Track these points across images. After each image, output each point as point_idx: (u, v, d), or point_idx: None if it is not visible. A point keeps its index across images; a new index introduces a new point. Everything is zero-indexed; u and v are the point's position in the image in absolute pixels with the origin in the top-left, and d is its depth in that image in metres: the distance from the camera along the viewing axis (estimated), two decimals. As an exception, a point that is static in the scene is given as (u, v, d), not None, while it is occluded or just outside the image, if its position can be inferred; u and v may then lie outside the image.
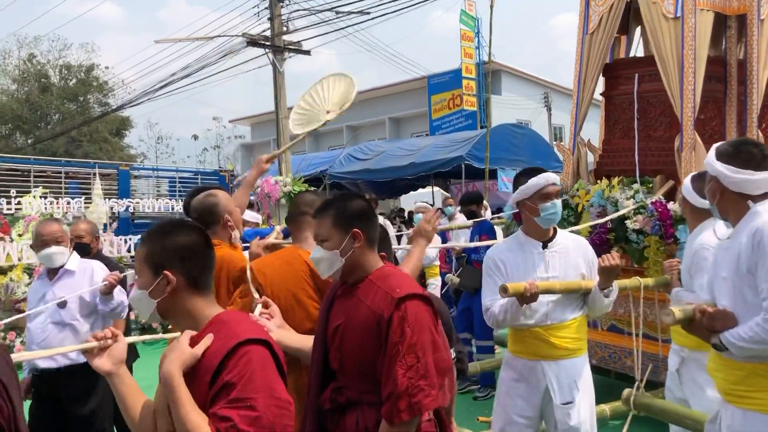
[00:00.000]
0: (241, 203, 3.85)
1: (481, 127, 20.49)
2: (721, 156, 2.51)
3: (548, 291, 3.08)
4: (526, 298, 3.00)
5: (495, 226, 6.84)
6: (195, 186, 7.89)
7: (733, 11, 5.25)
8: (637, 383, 3.75)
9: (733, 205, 2.49)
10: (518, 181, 3.27)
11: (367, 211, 2.34)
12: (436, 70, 26.76)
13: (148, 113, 51.85)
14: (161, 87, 17.59)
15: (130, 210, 10.73)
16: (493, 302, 3.20)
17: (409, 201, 21.80)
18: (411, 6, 13.31)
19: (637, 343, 3.72)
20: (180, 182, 12.93)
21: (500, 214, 8.02)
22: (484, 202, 10.67)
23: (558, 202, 3.20)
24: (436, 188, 18.81)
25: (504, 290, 2.99)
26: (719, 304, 2.46)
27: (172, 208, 11.08)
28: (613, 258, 3.07)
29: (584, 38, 5.55)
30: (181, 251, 1.82)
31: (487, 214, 10.50)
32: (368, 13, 14.03)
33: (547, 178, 3.18)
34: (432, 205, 16.17)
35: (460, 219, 10.55)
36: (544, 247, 3.23)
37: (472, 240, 6.70)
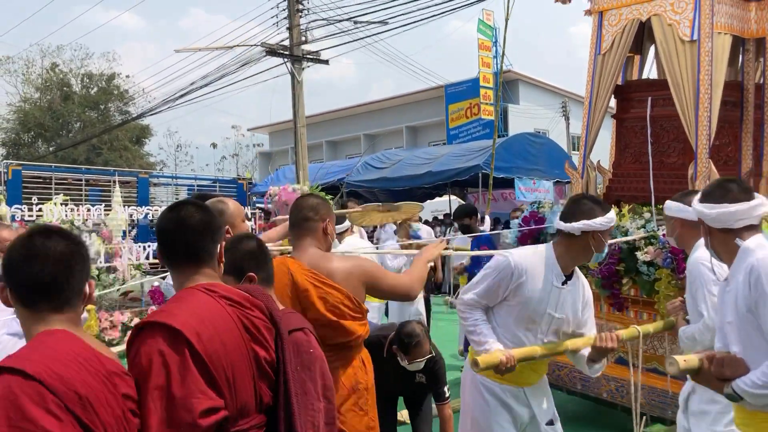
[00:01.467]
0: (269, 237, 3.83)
1: (499, 136, 20.46)
2: (701, 197, 2.52)
3: (528, 358, 2.88)
4: (497, 369, 2.78)
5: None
6: (213, 194, 7.94)
7: (751, 34, 5.13)
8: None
9: (721, 245, 2.44)
10: (592, 210, 2.93)
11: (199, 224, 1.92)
12: (453, 79, 26.78)
13: (167, 122, 52.52)
14: (181, 96, 17.77)
15: (149, 217, 10.82)
16: (476, 304, 3.02)
17: (426, 209, 21.78)
18: (430, 17, 13.34)
19: (635, 389, 3.45)
20: (198, 190, 13.02)
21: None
22: (486, 217, 10.67)
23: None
24: (453, 197, 18.77)
25: (475, 365, 2.74)
26: (731, 351, 2.32)
27: (191, 216, 11.13)
28: (612, 340, 2.89)
29: (596, 59, 5.41)
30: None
31: (486, 226, 10.48)
32: (387, 23, 14.08)
33: (613, 216, 3.02)
34: (449, 215, 16.14)
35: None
36: (564, 283, 3.00)
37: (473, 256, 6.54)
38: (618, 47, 5.24)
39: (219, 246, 1.95)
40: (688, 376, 2.43)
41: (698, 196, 2.56)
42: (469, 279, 6.46)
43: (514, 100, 27.86)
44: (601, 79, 5.36)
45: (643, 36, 5.70)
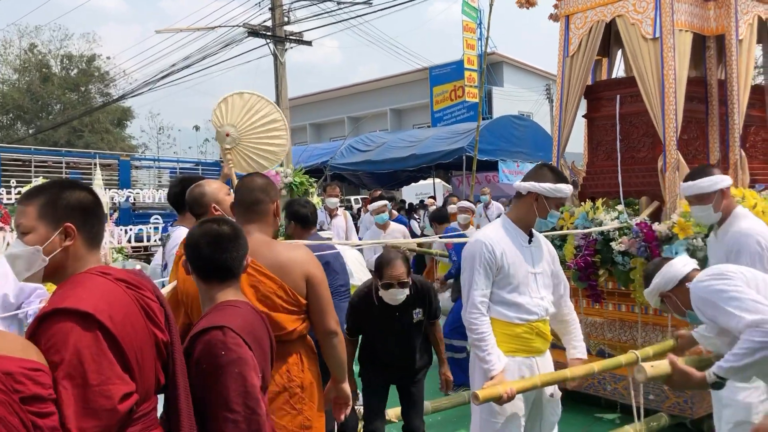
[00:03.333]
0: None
1: (484, 119, 20.46)
2: None
3: (528, 389, 2.91)
4: (497, 401, 2.81)
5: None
6: (196, 176, 7.87)
7: (711, 32, 5.27)
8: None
9: (688, 297, 2.69)
10: (544, 175, 3.11)
11: (90, 205, 1.82)
12: (438, 61, 26.69)
13: (149, 104, 51.97)
14: (162, 77, 17.56)
15: (131, 200, 10.72)
16: (484, 300, 3.03)
17: (410, 192, 21.79)
18: (414, -2, 13.24)
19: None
20: (181, 173, 12.92)
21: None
22: (493, 202, 10.71)
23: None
24: (437, 180, 18.79)
25: (476, 398, 2.77)
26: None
27: (173, 199, 11.06)
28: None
29: (565, 61, 5.55)
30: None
31: (494, 204, 10.54)
32: (370, 3, 13.97)
33: (570, 192, 3.17)
34: (433, 197, 16.16)
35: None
36: (529, 242, 3.16)
37: (454, 260, 6.31)
38: (585, 49, 5.40)
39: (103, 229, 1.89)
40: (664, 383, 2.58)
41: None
42: (455, 272, 6.44)
43: (498, 83, 27.85)
44: (570, 81, 5.50)
45: (610, 39, 5.88)
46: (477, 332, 3.01)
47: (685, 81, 4.96)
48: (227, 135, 4.60)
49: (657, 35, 4.90)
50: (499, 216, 7.55)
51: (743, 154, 5.16)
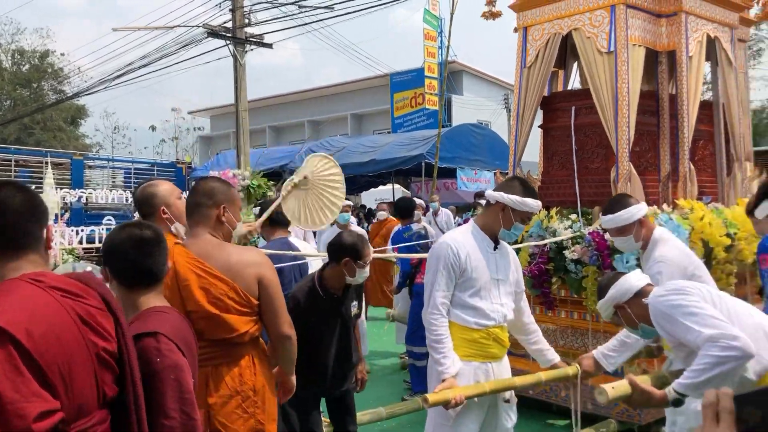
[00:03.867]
0: None
1: (443, 126, 20.61)
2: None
3: (477, 395, 2.94)
4: (445, 405, 2.86)
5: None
6: (150, 177, 7.74)
7: (663, 47, 5.43)
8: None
9: (642, 310, 2.77)
10: (514, 188, 3.18)
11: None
12: (399, 68, 26.82)
13: (104, 102, 50.92)
14: (119, 76, 17.20)
15: (83, 200, 10.48)
16: (446, 301, 3.09)
17: (369, 197, 21.83)
18: (376, 5, 13.29)
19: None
20: (136, 173, 12.71)
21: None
22: (441, 209, 10.77)
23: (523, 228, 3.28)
24: (396, 186, 18.85)
25: (425, 401, 2.81)
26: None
27: (127, 200, 10.87)
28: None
29: (522, 71, 5.65)
30: None
31: (443, 210, 10.62)
32: (332, 8, 13.95)
33: (537, 207, 3.22)
34: (392, 203, 16.21)
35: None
36: (495, 248, 3.22)
37: (410, 266, 6.24)
38: (542, 60, 5.51)
39: (45, 230, 1.77)
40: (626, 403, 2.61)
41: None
42: (403, 275, 6.45)
43: (458, 91, 28.12)
44: (527, 91, 5.60)
45: (566, 52, 6.02)
46: (435, 333, 3.06)
47: (637, 94, 5.10)
48: (305, 177, 4.56)
49: (612, 49, 5.03)
50: (447, 223, 7.60)
51: (692, 167, 5.32)
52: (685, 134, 5.30)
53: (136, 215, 3.30)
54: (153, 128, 45.42)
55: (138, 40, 23.72)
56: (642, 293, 2.76)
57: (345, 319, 3.80)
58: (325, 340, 3.73)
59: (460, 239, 3.17)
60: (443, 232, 10.08)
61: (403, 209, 7.18)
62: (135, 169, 13.09)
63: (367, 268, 3.70)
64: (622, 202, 3.50)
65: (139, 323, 1.99)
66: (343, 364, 3.84)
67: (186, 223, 3.13)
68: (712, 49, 5.68)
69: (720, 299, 2.57)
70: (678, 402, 2.45)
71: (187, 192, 3.20)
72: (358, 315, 3.96)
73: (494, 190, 3.25)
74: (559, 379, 3.32)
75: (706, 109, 5.80)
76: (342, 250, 3.63)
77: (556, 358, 3.40)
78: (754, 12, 6.67)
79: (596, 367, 3.22)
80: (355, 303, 3.88)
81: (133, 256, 2.10)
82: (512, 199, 3.12)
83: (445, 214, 10.84)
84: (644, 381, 2.58)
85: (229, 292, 2.55)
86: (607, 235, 4.66)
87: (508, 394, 3.19)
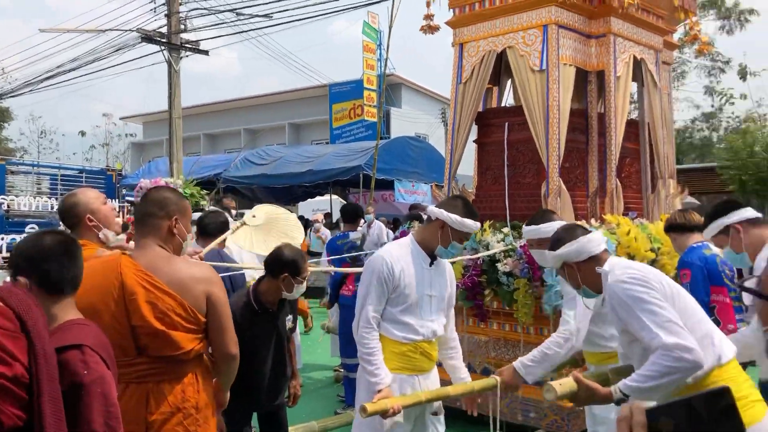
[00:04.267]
0: None
1: (382, 138, 20.72)
2: (553, 244, 2.86)
3: (414, 404, 2.97)
4: (383, 414, 2.87)
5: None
6: (79, 184, 7.47)
7: (592, 67, 5.64)
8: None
9: (591, 276, 2.75)
10: (455, 207, 3.19)
11: None
12: (338, 79, 26.83)
13: (30, 105, 48.79)
14: (46, 78, 16.60)
15: (5, 207, 10.02)
16: (376, 315, 3.10)
17: (307, 208, 21.68)
18: (315, 16, 13.28)
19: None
20: (63, 180, 12.25)
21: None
22: (375, 221, 10.80)
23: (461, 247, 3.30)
24: (334, 196, 18.80)
25: (363, 411, 2.81)
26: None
27: (52, 207, 10.45)
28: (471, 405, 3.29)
29: (458, 87, 5.75)
30: None
31: (376, 222, 10.66)
32: (271, 17, 13.86)
33: (476, 228, 3.25)
34: (330, 214, 16.16)
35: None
36: (431, 264, 3.24)
37: (340, 276, 6.19)
38: (478, 77, 5.62)
39: None
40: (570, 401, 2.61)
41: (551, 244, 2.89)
42: (333, 285, 6.39)
43: (396, 104, 28.34)
44: (463, 106, 5.69)
45: (500, 69, 6.18)
46: (367, 346, 3.06)
47: (568, 112, 5.24)
48: (253, 216, 4.52)
49: (544, 68, 5.16)
50: (379, 235, 7.60)
51: (618, 183, 5.50)
52: (612, 152, 5.48)
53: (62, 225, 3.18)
54: (83, 134, 43.89)
55: (68, 42, 23.00)
56: (596, 259, 2.74)
57: (280, 334, 3.75)
58: (259, 355, 3.65)
59: (396, 253, 3.18)
60: (375, 244, 10.15)
61: (348, 213, 7.06)
62: (62, 175, 12.59)
63: (305, 284, 3.67)
64: (545, 216, 3.61)
65: (61, 335, 1.91)
66: (277, 379, 3.78)
67: (116, 229, 3.04)
68: (638, 70, 5.90)
69: (678, 296, 2.55)
70: (622, 401, 2.45)
71: (116, 200, 3.10)
72: (293, 329, 3.92)
73: (437, 206, 3.27)
74: (488, 389, 3.36)
75: (633, 127, 6.02)
76: (281, 265, 3.58)
77: (468, 378, 3.42)
78: (677, 36, 7.00)
79: (515, 377, 3.25)
80: (290, 317, 3.84)
81: (63, 262, 2.04)
82: (452, 218, 3.15)
83: (378, 226, 10.89)
84: (587, 378, 2.62)
85: (177, 308, 2.47)
86: None
87: (436, 406, 3.22)
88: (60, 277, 2.04)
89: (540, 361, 3.26)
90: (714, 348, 2.46)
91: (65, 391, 1.77)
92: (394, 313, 3.13)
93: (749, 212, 3.41)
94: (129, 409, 2.36)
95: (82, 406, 1.81)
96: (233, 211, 7.70)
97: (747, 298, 3.50)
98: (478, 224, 3.26)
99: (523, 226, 3.77)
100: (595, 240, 2.79)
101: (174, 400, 2.49)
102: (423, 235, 3.26)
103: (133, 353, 2.43)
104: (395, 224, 12.01)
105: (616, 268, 2.64)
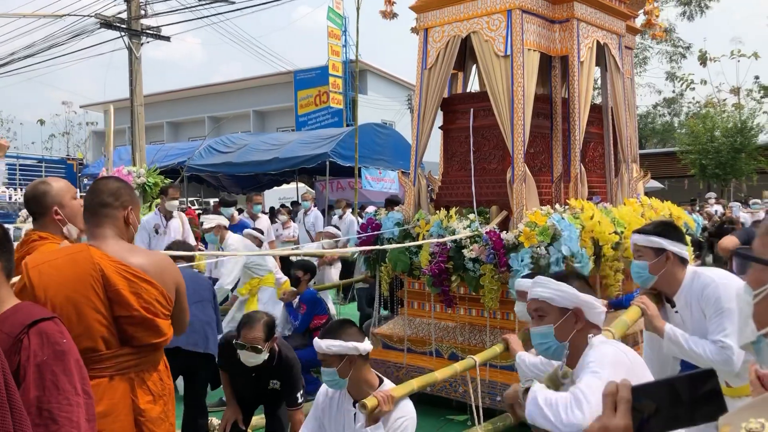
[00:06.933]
0: None
1: (347, 125, 20.59)
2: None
3: (407, 392, 3.12)
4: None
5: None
6: (38, 174, 7.27)
7: (556, 52, 5.64)
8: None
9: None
10: (351, 335, 3.03)
11: None
12: (303, 65, 26.62)
13: (-15, 93, 47.35)
14: (0, 65, 16.09)
15: (-41, 199, 9.73)
16: None
17: (273, 196, 21.51)
18: (277, 1, 13.11)
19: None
20: (21, 170, 11.96)
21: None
22: (347, 203, 10.78)
23: (343, 381, 3.04)
24: (300, 184, 18.68)
25: (363, 407, 2.88)
26: None
27: (10, 198, 10.19)
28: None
29: (423, 73, 5.71)
30: None
31: (348, 215, 10.60)
32: (233, 2, 13.64)
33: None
34: (297, 203, 16.06)
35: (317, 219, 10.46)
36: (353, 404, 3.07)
37: (291, 313, 6.08)
38: (443, 62, 5.57)
39: None
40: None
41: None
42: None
43: (362, 91, 28.20)
44: (428, 92, 5.65)
45: (465, 54, 6.14)
46: None
47: (532, 98, 5.25)
48: None
49: (508, 53, 5.15)
50: (314, 224, 7.59)
51: (583, 168, 5.55)
52: (576, 137, 5.51)
53: (23, 213, 3.08)
54: (42, 122, 42.91)
55: (23, 27, 22.35)
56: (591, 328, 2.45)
57: (258, 388, 3.99)
58: (236, 382, 4.05)
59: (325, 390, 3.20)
60: (309, 234, 10.10)
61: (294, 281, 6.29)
62: (20, 165, 12.29)
63: (252, 354, 3.74)
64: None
65: (26, 311, 1.94)
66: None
67: (80, 227, 2.94)
68: (601, 54, 5.93)
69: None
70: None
71: (77, 190, 3.01)
72: (278, 392, 4.02)
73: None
74: (468, 368, 3.46)
75: (596, 112, 6.07)
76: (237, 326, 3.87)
77: None
78: (640, 21, 7.06)
79: (517, 343, 3.36)
80: (276, 381, 3.92)
81: (10, 247, 2.03)
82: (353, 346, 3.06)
83: (314, 215, 10.90)
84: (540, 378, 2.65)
85: (159, 297, 2.48)
86: (503, 234, 4.80)
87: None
88: (11, 261, 2.03)
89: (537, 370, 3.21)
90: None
91: (47, 360, 1.84)
92: None
93: None
94: (117, 401, 2.38)
95: (66, 373, 1.87)
96: (176, 202, 7.49)
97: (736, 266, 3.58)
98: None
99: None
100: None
101: (155, 387, 2.54)
102: (354, 378, 3.05)
103: (116, 344, 2.41)
104: (362, 210, 12.00)
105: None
